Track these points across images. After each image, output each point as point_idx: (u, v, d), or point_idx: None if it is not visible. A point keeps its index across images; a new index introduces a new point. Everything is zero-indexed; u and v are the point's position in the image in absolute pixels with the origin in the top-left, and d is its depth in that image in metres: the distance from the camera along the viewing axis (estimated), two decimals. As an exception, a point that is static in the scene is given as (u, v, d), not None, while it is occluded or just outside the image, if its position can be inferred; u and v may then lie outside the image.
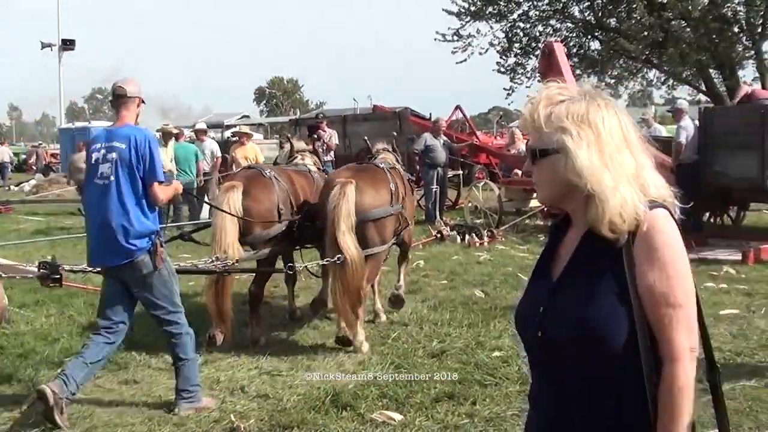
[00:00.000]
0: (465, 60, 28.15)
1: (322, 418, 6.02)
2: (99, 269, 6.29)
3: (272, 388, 6.75)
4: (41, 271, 6.31)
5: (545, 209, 16.66)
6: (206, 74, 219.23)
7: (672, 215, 2.29)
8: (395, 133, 19.93)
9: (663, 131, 19.27)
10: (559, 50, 17.37)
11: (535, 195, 17.21)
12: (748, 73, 26.73)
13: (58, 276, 6.26)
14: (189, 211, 17.04)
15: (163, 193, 6.18)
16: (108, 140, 6.14)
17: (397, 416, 5.97)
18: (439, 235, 14.75)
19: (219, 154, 20.03)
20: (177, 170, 18.55)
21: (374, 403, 6.26)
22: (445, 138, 18.37)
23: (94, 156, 6.16)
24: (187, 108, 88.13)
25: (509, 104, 31.67)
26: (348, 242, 7.59)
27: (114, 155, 6.06)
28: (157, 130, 16.34)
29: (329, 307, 8.85)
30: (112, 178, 6.04)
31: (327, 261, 7.72)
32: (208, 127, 21.93)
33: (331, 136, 18.85)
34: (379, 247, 8.12)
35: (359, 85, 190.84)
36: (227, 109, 77.05)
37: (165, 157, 17.98)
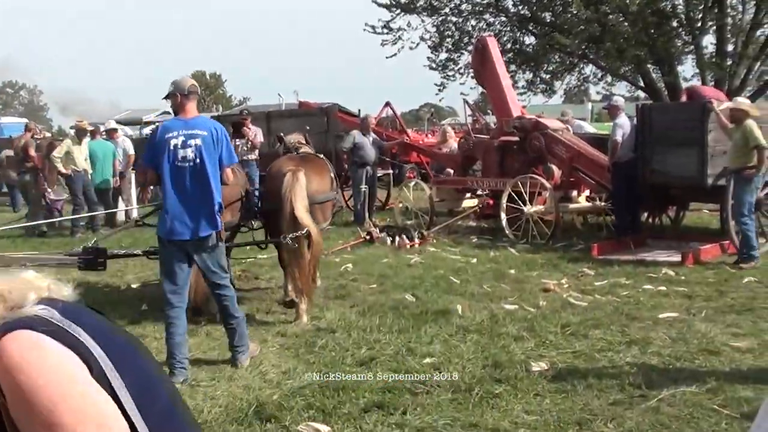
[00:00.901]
0: (395, 54, 28.26)
1: (245, 431, 5.94)
2: (145, 250, 8.59)
3: (192, 400, 6.63)
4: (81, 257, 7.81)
5: (477, 210, 16.78)
6: (120, 69, 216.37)
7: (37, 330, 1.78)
8: (323, 130, 19.94)
9: (586, 127, 19.48)
10: (493, 45, 17.52)
11: (467, 195, 17.48)
12: (687, 68, 27.29)
13: (102, 260, 7.77)
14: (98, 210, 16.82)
15: (232, 174, 7.71)
16: (187, 128, 7.41)
17: (324, 428, 5.91)
18: (368, 237, 14.76)
19: (132, 152, 19.79)
20: (92, 168, 18.28)
21: (300, 415, 6.19)
22: (374, 136, 18.37)
23: (172, 142, 7.35)
24: (96, 103, 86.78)
25: (440, 101, 32.02)
26: (308, 219, 9.01)
27: (197, 141, 7.35)
28: (71, 127, 16.05)
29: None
30: (198, 161, 7.33)
31: (299, 233, 8.94)
32: (124, 123, 21.64)
33: (255, 133, 18.71)
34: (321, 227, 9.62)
35: (284, 79, 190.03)
36: (146, 105, 76.09)
37: (79, 155, 17.73)
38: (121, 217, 18.83)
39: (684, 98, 15.26)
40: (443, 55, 28.55)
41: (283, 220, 9.05)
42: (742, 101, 12.79)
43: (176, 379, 7.06)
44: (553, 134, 15.50)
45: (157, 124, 22.95)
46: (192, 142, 7.37)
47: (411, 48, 28.35)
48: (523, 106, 19.87)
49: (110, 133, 19.81)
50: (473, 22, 28.56)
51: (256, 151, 18.55)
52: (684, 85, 24.19)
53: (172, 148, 7.35)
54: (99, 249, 8.28)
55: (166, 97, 7.66)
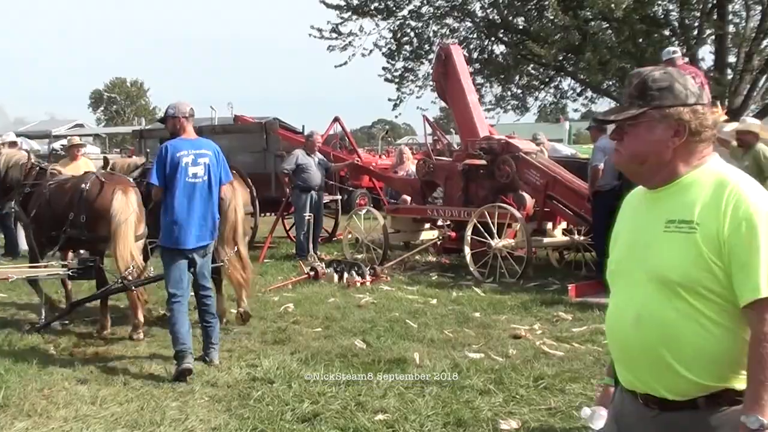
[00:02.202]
0: (345, 63, 28.32)
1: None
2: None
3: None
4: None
5: (438, 243, 16.81)
6: (22, 76, 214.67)
7: None
8: (261, 149, 19.91)
9: (563, 150, 19.61)
10: (457, 54, 17.58)
11: (426, 226, 17.52)
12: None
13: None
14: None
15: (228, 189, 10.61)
16: (195, 148, 9.42)
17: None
18: (312, 273, 14.73)
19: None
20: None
21: (230, 480, 6.14)
22: (320, 156, 18.34)
23: (184, 160, 9.26)
24: None
25: (397, 117, 32.07)
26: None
27: (206, 160, 9.39)
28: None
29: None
30: (206, 177, 9.36)
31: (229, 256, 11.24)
32: (30, 137, 21.44)
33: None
34: None
35: (217, 90, 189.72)
36: (57, 116, 75.44)
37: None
38: (24, 245, 18.59)
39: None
40: (400, 65, 28.71)
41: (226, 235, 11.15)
42: (752, 122, 12.81)
43: (188, 363, 8.92)
44: (526, 158, 15.54)
45: (66, 138, 22.69)
46: (201, 160, 9.36)
47: (363, 55, 28.46)
48: (491, 125, 20.01)
49: (9, 147, 19.60)
50: (435, 28, 28.79)
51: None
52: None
53: (184, 165, 9.23)
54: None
55: (163, 120, 9.72)
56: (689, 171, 3.37)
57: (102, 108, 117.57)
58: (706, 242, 3.19)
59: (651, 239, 3.38)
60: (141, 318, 11.01)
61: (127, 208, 10.88)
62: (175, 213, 9.23)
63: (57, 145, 36.27)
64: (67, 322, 11.66)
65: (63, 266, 10.93)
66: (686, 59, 18.77)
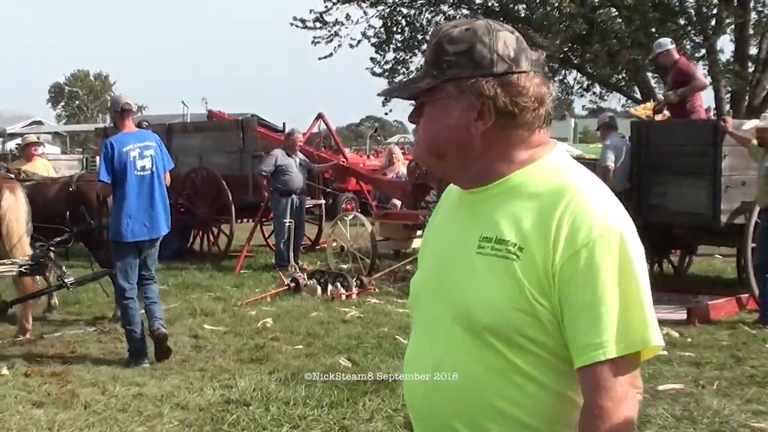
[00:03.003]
0: (330, 55, 28.31)
1: None
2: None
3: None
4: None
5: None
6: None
7: None
8: (238, 149, 19.87)
9: (569, 150, 19.57)
10: (453, 45, 17.57)
11: (418, 233, 17.48)
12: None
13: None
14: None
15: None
16: (139, 141, 10.38)
17: None
18: (293, 285, 14.69)
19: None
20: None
21: None
22: (302, 156, 18.31)
23: (131, 154, 10.18)
24: None
25: (386, 114, 31.89)
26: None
27: (151, 152, 10.36)
28: None
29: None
30: (153, 169, 10.33)
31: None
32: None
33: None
34: None
35: (191, 84, 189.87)
36: (12, 112, 75.24)
37: None
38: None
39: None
40: (391, 56, 28.68)
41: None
42: None
43: (143, 361, 10.17)
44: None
45: (22, 137, 22.66)
46: (147, 153, 10.33)
47: (351, 47, 28.43)
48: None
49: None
50: (428, 16, 28.76)
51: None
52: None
53: (131, 159, 10.17)
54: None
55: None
56: (515, 169, 2.61)
57: (63, 103, 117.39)
58: (528, 274, 2.47)
59: (461, 261, 2.63)
60: (28, 323, 11.83)
61: (17, 206, 11.72)
62: (127, 207, 10.23)
63: (12, 144, 36.25)
64: (20, 338, 11.63)
65: (13, 263, 11.42)
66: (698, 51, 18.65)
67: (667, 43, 15.27)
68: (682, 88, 14.61)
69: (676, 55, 15.14)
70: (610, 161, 14.14)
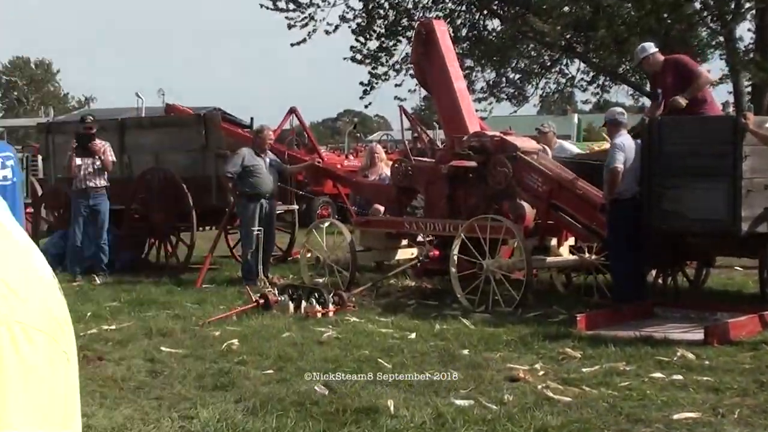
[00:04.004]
0: (304, 40, 28.37)
1: None
2: None
3: None
4: None
5: (418, 264, 16.78)
6: None
7: None
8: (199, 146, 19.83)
9: (571, 149, 19.60)
10: (441, 32, 17.61)
11: (403, 243, 17.49)
12: (714, 67, 27.49)
13: None
14: None
15: None
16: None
17: None
18: (262, 301, 14.66)
19: None
20: None
21: None
22: (272, 156, 18.29)
23: None
24: None
25: (367, 107, 31.81)
26: None
27: (11, 162, 11.06)
28: None
29: None
30: (14, 179, 11.08)
31: None
32: None
33: (105, 149, 18.58)
34: None
35: (145, 73, 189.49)
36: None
37: None
38: None
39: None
40: (373, 43, 28.73)
41: None
42: None
43: None
44: (525, 158, 15.55)
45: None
46: (8, 162, 10.94)
47: (327, 32, 28.49)
48: (483, 118, 20.00)
49: None
50: (416, -2, 28.80)
51: (106, 175, 18.45)
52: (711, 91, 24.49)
53: None
54: None
55: None
56: None
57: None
58: None
59: None
60: None
61: None
62: None
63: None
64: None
65: None
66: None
67: (651, 45, 15.49)
68: (688, 89, 14.72)
69: (662, 57, 15.28)
70: (619, 163, 14.08)
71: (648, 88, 25.58)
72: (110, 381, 10.78)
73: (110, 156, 18.58)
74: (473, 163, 16.01)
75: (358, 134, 52.63)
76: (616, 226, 14.18)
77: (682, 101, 14.61)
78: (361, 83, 28.85)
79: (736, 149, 13.23)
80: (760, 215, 13.20)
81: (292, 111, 21.73)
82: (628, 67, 26.97)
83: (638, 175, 14.16)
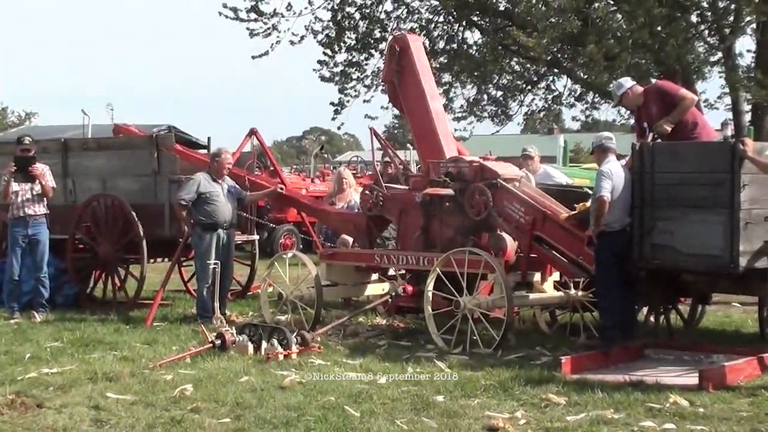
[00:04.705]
0: (266, 53, 28.38)
1: None
2: None
3: None
4: None
5: (389, 300, 16.76)
6: None
7: None
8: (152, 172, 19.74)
9: (557, 176, 19.59)
10: (416, 47, 17.60)
11: (374, 277, 17.48)
12: (712, 85, 27.58)
13: None
14: None
15: None
16: None
17: None
18: (218, 342, 14.65)
19: None
20: None
21: None
22: (231, 182, 18.27)
23: None
24: None
25: (338, 127, 31.78)
26: None
27: None
28: None
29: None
30: None
31: None
32: None
33: (44, 173, 18.51)
34: None
35: (92, 87, 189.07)
36: None
37: None
38: None
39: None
40: (342, 57, 28.77)
41: None
42: None
43: None
44: (507, 186, 15.59)
45: None
46: None
47: (293, 43, 28.55)
48: (463, 138, 20.02)
49: None
50: (388, 6, 28.86)
51: (46, 201, 18.41)
52: (708, 109, 24.52)
53: None
54: None
55: None
56: None
57: None
58: None
59: None
60: None
61: None
62: None
63: None
64: None
65: None
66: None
67: (627, 80, 15.65)
68: (671, 113, 14.82)
69: (641, 89, 15.40)
70: (606, 191, 13.97)
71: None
72: (50, 431, 10.79)
73: (50, 181, 18.51)
74: (450, 191, 15.94)
75: (326, 155, 52.62)
76: (604, 260, 14.18)
77: (667, 127, 14.69)
78: (332, 104, 28.88)
79: (733, 178, 13.18)
80: (759, 249, 13.20)
81: (253, 132, 21.66)
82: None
83: (628, 204, 14.17)
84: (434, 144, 16.91)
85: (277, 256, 18.36)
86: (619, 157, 14.78)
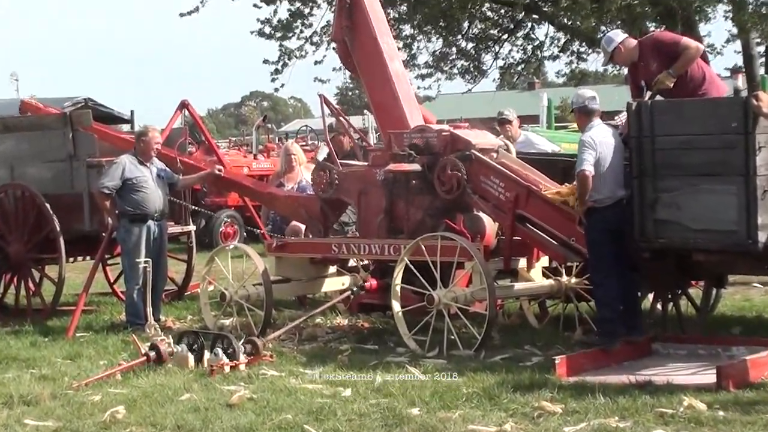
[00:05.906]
0: (196, 9, 28.34)
1: None
2: None
3: None
4: None
5: (351, 297, 16.72)
6: None
7: None
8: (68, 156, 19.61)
9: (542, 144, 19.56)
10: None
11: (332, 270, 17.40)
12: (717, 27, 27.65)
13: None
14: None
15: None
16: None
17: None
18: (153, 354, 14.60)
19: None
20: None
21: None
22: (161, 165, 18.17)
23: None
24: None
25: (277, 90, 31.55)
26: None
27: None
28: None
29: None
30: None
31: None
32: None
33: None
34: None
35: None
36: None
37: None
38: None
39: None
40: (284, 11, 28.76)
41: None
42: None
43: None
44: (482, 158, 15.55)
45: None
46: None
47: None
48: (426, 98, 19.87)
49: None
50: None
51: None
52: (713, 56, 24.55)
53: None
54: None
55: None
56: None
57: None
58: None
59: None
60: None
61: None
62: None
63: None
64: None
65: None
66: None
67: (617, 33, 15.53)
68: (673, 65, 14.70)
69: (634, 42, 15.29)
70: (588, 165, 13.87)
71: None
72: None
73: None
74: (416, 167, 15.83)
75: (270, 125, 52.31)
76: (597, 240, 14.09)
77: (669, 82, 14.57)
78: (266, 61, 28.81)
79: (747, 139, 13.07)
80: (781, 222, 13.14)
81: (184, 105, 21.45)
82: (609, 29, 27.05)
83: (621, 175, 14.07)
84: (395, 112, 16.85)
85: (218, 248, 18.21)
86: (613, 114, 14.68)
